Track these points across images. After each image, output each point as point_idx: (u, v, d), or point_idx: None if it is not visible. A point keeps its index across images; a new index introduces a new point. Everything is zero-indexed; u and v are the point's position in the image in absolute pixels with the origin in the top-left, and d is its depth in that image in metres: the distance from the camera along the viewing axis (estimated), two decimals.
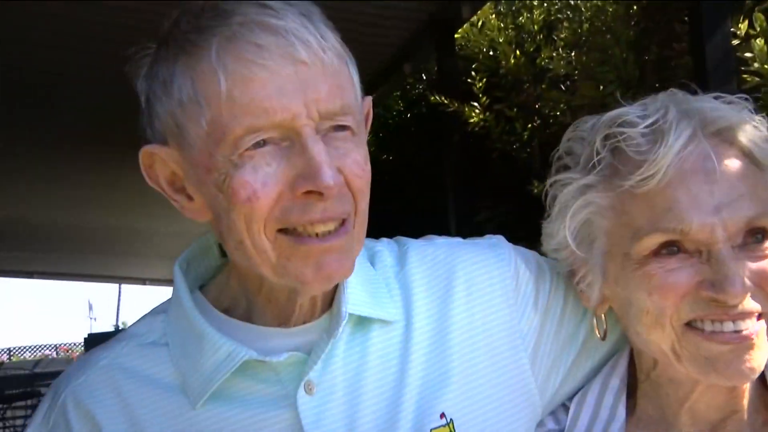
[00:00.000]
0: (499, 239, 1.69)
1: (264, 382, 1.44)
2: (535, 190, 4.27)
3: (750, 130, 1.45)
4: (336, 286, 1.47)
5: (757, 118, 1.49)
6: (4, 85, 6.89)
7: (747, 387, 1.50)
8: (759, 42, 3.51)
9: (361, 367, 1.48)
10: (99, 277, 23.55)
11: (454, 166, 5.94)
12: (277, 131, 1.31)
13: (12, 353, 32.75)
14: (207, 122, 1.31)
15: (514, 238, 1.70)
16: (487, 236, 1.70)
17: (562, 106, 4.88)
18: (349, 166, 1.35)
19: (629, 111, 1.48)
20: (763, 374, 1.50)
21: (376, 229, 1.80)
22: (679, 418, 1.53)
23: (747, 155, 1.44)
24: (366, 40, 6.50)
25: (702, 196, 1.38)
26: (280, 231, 1.34)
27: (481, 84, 5.42)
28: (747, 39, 3.60)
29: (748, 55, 3.55)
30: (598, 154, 1.49)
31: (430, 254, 1.62)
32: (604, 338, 1.58)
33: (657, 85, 4.16)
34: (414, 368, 1.50)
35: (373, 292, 1.53)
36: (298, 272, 1.35)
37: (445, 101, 5.50)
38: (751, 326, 1.39)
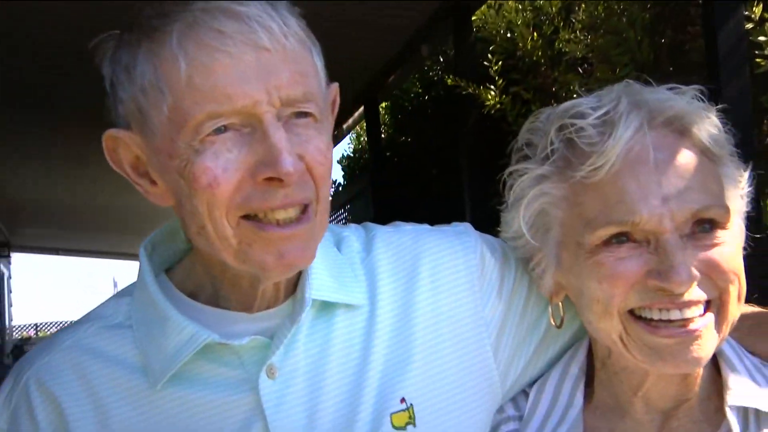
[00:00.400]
0: (466, 227, 1.68)
1: (226, 365, 1.44)
2: None
3: (702, 121, 1.45)
4: (300, 272, 1.47)
5: (712, 109, 1.48)
6: (21, 71, 6.95)
7: (699, 375, 1.51)
8: None
9: (323, 351, 1.48)
10: (123, 254, 23.80)
11: (470, 149, 5.95)
12: (238, 117, 1.30)
13: (39, 328, 33.26)
14: (169, 108, 1.31)
15: None
16: (454, 223, 1.70)
17: (578, 89, 4.88)
18: (311, 153, 1.35)
19: (583, 102, 1.47)
20: (717, 361, 1.51)
21: (393, 212, 1.79)
22: (633, 406, 1.54)
23: (698, 146, 1.44)
24: (383, 22, 6.52)
25: (651, 187, 1.39)
26: (243, 217, 1.34)
27: (497, 66, 5.43)
28: (761, 23, 3.59)
29: (761, 38, 3.54)
30: (552, 144, 1.49)
31: (396, 241, 1.62)
32: (560, 326, 1.58)
33: (671, 68, 4.17)
34: (377, 353, 1.50)
35: (338, 277, 1.53)
36: (260, 259, 1.35)
37: (462, 83, 5.51)
38: (697, 315, 1.40)
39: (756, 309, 1.60)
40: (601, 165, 1.40)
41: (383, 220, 1.72)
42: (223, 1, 1.31)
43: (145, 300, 1.48)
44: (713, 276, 1.39)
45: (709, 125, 1.45)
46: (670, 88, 1.48)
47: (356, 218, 8.77)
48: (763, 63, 3.56)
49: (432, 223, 1.72)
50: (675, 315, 1.39)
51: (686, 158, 1.41)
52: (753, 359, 1.53)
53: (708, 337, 1.40)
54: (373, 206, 8.08)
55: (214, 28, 1.28)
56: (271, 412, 1.41)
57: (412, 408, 1.47)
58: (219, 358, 1.43)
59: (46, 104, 8.24)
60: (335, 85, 1.49)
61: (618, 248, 1.41)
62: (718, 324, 1.41)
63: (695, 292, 1.38)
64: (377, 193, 8.03)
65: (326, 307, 1.50)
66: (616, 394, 1.55)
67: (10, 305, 19.69)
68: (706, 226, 1.40)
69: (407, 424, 1.46)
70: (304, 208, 1.36)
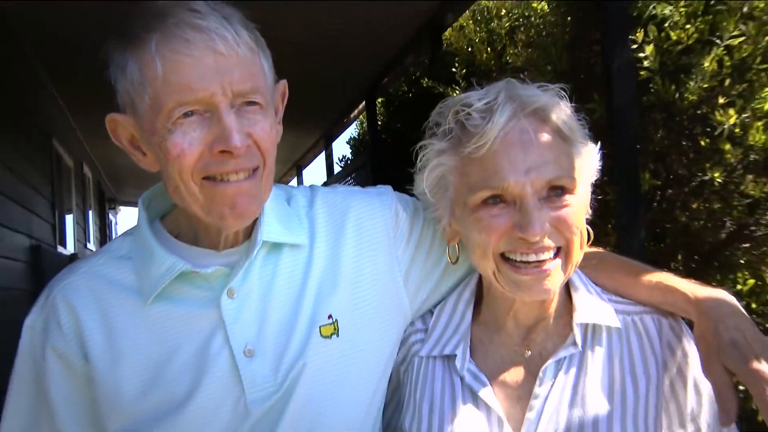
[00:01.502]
0: (387, 188, 1.68)
1: (199, 288, 1.45)
2: None
3: (559, 111, 1.43)
4: (255, 222, 1.48)
5: (565, 102, 1.46)
6: None
7: (553, 300, 1.52)
8: (650, 47, 3.57)
9: (272, 279, 1.48)
10: None
11: None
12: (200, 105, 1.31)
13: None
14: (149, 98, 1.31)
15: None
16: (378, 186, 1.70)
17: None
18: (257, 132, 1.35)
19: (472, 94, 1.46)
20: (569, 289, 1.54)
21: (387, 179, 1.76)
22: (506, 322, 1.55)
23: (554, 130, 1.42)
24: (380, 39, 6.55)
25: (517, 162, 1.39)
26: (204, 179, 1.35)
27: (459, 73, 5.48)
28: (643, 44, 3.64)
29: (641, 55, 3.59)
30: (449, 125, 1.48)
31: (332, 199, 1.62)
32: (455, 262, 1.58)
33: (582, 76, 4.22)
34: (312, 281, 1.50)
35: (286, 224, 1.53)
36: (219, 210, 1.37)
37: (435, 85, 5.55)
38: (548, 258, 1.41)
39: (600, 251, 1.62)
40: (483, 144, 1.40)
41: (380, 183, 1.73)
42: (190, 17, 1.31)
43: (140, 239, 1.50)
44: (561, 229, 1.40)
45: (563, 114, 1.43)
46: (539, 86, 1.46)
47: (359, 183, 8.80)
48: (643, 73, 3.61)
49: (411, 186, 1.68)
50: (532, 258, 1.41)
51: (545, 139, 1.41)
52: (596, 288, 1.55)
53: (556, 275, 1.42)
54: (372, 175, 8.10)
55: (182, 37, 1.29)
56: (229, 323, 1.43)
57: (337, 322, 1.48)
58: (194, 283, 1.45)
59: None
60: (283, 82, 1.50)
61: (492, 207, 1.42)
62: (564, 265, 1.43)
63: (547, 241, 1.40)
64: (375, 165, 8.04)
65: (276, 246, 1.51)
66: (495, 314, 1.57)
67: None
68: (558, 191, 1.41)
69: (332, 334, 1.47)
70: (253, 172, 1.38)
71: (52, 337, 1.45)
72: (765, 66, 3.67)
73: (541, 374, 1.46)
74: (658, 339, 1.46)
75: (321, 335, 1.46)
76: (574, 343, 1.47)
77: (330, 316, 1.48)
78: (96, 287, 1.47)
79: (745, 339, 1.25)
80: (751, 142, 3.63)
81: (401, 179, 1.74)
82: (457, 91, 5.39)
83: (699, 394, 1.41)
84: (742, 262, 3.92)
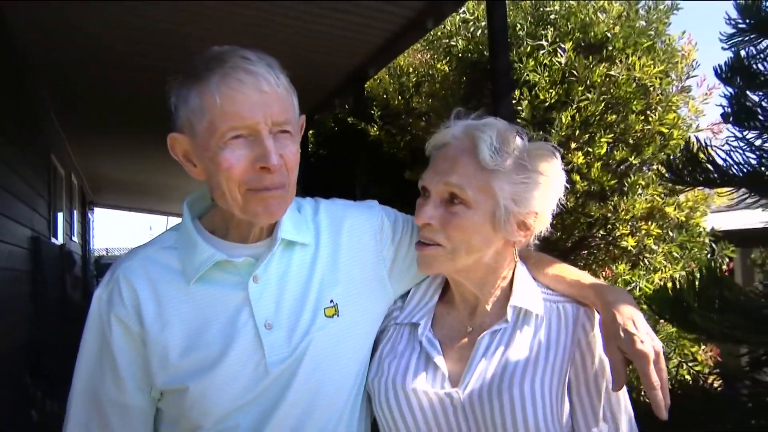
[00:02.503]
0: (374, 202, 1.67)
1: (230, 273, 1.43)
2: (407, 177, 4.33)
3: (486, 145, 1.38)
4: (275, 223, 1.46)
5: (492, 137, 1.41)
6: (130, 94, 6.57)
7: (495, 286, 1.49)
8: (525, 103, 3.65)
9: (287, 269, 1.47)
10: (157, 211, 22.85)
11: (362, 160, 5.92)
12: (246, 130, 1.29)
13: (108, 251, 31.71)
14: (207, 123, 1.30)
15: (393, 205, 1.68)
16: (367, 200, 1.67)
17: (421, 128, 4.91)
18: (287, 154, 1.34)
19: (453, 124, 1.47)
20: (513, 281, 1.49)
21: (315, 195, 1.72)
22: (456, 301, 1.53)
23: (476, 157, 1.39)
24: (314, 83, 6.45)
25: (437, 167, 1.41)
26: (248, 190, 1.33)
27: (377, 113, 5.42)
28: (519, 100, 3.71)
29: (519, 108, 3.68)
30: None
31: (332, 208, 1.60)
32: None
33: None
34: (317, 272, 1.49)
35: (297, 227, 1.51)
36: (254, 210, 1.34)
37: (357, 122, 5.50)
38: (428, 245, 1.43)
39: (539, 254, 1.59)
40: (428, 153, 1.47)
41: (309, 197, 1.68)
42: (243, 63, 1.31)
43: (185, 233, 1.47)
44: (445, 230, 1.42)
45: (488, 148, 1.37)
46: (517, 130, 1.43)
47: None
48: (520, 121, 3.68)
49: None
50: (420, 240, 1.47)
51: (462, 158, 1.40)
52: (536, 282, 1.53)
53: (436, 260, 1.44)
54: (303, 192, 7.94)
55: (236, 78, 1.28)
56: (254, 302, 1.40)
57: (337, 306, 1.47)
58: (227, 269, 1.43)
59: (128, 115, 7.71)
60: (303, 116, 1.48)
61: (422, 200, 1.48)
62: (452, 258, 1.43)
63: (431, 233, 1.43)
64: (305, 183, 7.88)
65: (290, 244, 1.49)
66: (453, 294, 1.56)
67: (93, 237, 19.05)
68: (454, 198, 1.41)
69: (334, 314, 1.46)
70: (281, 187, 1.36)
71: (115, 307, 1.41)
72: (602, 123, 3.80)
73: (477, 342, 1.46)
74: (574, 322, 1.43)
75: (325, 315, 1.45)
76: (506, 320, 1.47)
77: (332, 301, 1.47)
78: (149, 269, 1.43)
79: (634, 327, 1.27)
80: (593, 177, 3.76)
81: (330, 196, 1.71)
82: (375, 128, 5.33)
83: (603, 365, 1.40)
84: (582, 264, 4.07)
